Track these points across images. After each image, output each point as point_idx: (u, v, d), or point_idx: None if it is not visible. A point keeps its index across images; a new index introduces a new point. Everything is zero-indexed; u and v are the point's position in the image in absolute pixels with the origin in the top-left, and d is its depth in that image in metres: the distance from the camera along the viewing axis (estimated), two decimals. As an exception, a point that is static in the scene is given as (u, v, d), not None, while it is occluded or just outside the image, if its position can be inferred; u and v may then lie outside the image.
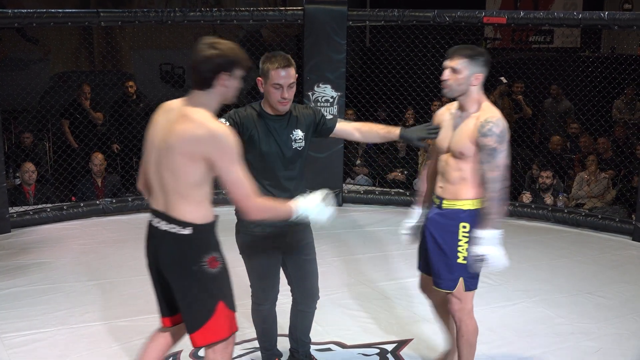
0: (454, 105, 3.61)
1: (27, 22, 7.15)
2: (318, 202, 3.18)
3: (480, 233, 3.45)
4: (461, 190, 3.54)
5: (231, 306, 3.07)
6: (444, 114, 3.66)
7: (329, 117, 3.91)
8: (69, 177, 7.63)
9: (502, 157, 3.39)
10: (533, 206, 7.10)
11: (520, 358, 4.38)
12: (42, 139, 8.39)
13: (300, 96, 7.06)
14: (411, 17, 7.17)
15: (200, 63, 2.89)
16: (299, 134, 3.74)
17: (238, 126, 3.59)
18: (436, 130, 3.62)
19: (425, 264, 3.86)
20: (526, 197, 7.48)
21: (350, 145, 7.95)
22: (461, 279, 3.58)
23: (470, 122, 3.44)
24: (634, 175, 7.32)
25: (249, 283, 3.88)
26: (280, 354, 4.12)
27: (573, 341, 4.55)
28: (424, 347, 4.48)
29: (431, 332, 4.66)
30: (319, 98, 7.10)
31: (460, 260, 3.57)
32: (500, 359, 4.36)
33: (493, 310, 5.02)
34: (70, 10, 7.64)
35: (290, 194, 3.58)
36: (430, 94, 8.14)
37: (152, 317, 4.78)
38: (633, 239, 6.38)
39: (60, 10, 7.14)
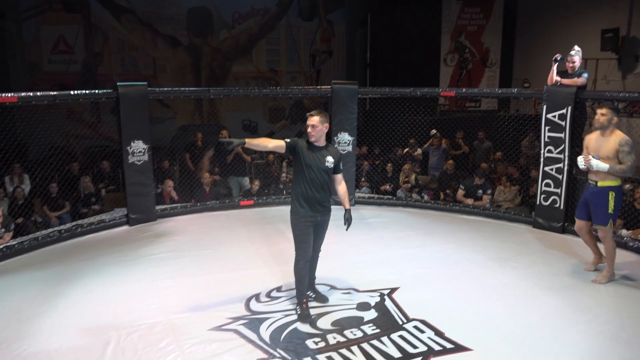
0: (596, 134, 4.62)
1: (166, 96, 7.28)
2: None
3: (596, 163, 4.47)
4: (607, 177, 4.49)
5: None
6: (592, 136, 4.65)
7: (341, 168, 4.14)
8: (189, 188, 7.72)
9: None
10: (471, 205, 7.10)
11: (467, 299, 4.38)
12: (173, 165, 8.51)
13: (328, 140, 7.12)
14: (395, 92, 7.20)
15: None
16: (329, 159, 3.92)
17: (295, 143, 3.88)
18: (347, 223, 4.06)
19: (584, 214, 4.74)
20: (460, 191, 7.43)
21: (358, 169, 7.99)
22: (610, 220, 4.55)
23: (611, 139, 4.48)
24: (531, 187, 7.29)
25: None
26: (308, 296, 4.17)
27: (497, 291, 4.55)
28: (405, 291, 4.50)
29: (408, 282, 4.67)
30: (340, 141, 7.14)
31: (609, 211, 4.52)
32: (455, 299, 4.37)
33: (448, 270, 5.02)
34: (191, 89, 7.75)
35: (321, 193, 3.91)
36: (408, 137, 8.20)
37: (243, 272, 4.89)
38: (533, 227, 6.34)
39: (185, 89, 7.24)
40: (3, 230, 5.47)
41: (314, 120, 3.89)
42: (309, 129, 3.91)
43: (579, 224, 4.85)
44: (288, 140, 3.87)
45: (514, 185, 7.62)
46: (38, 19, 11.22)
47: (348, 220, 4.02)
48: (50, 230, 6.06)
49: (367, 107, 9.77)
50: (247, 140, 3.77)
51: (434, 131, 8.85)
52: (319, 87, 8.15)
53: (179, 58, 12.33)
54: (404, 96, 7.25)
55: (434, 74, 12.78)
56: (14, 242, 5.50)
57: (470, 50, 12.94)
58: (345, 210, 4.04)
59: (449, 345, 3.64)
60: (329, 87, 7.17)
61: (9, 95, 5.25)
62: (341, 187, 4.12)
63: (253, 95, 7.69)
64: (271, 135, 11.03)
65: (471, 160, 9.02)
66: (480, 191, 7.30)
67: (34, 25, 11.22)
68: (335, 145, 7.05)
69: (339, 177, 4.11)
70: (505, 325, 3.92)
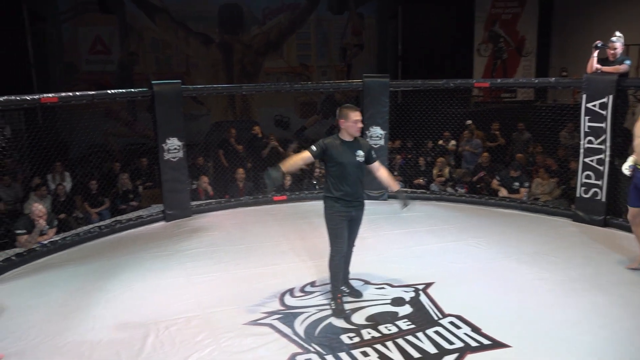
0: None
1: (199, 93, 7.37)
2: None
3: None
4: None
5: None
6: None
7: (374, 155, 4.06)
8: (223, 184, 7.81)
9: None
10: (507, 199, 6.95)
11: (504, 294, 4.31)
12: (208, 161, 8.62)
13: (360, 134, 7.09)
14: (428, 84, 7.10)
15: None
16: (360, 152, 3.90)
17: (322, 147, 3.83)
18: (407, 203, 3.99)
19: (637, 201, 4.44)
20: (495, 182, 7.24)
21: (390, 163, 7.92)
22: None
23: None
24: (571, 179, 7.08)
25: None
26: (342, 291, 4.15)
27: (535, 286, 4.44)
28: (440, 287, 4.45)
29: (443, 277, 4.63)
30: (372, 135, 7.09)
31: None
32: (491, 294, 4.30)
33: (483, 265, 4.95)
34: (224, 86, 7.85)
35: (354, 188, 3.86)
36: (440, 130, 8.08)
37: (277, 267, 4.93)
38: (573, 220, 6.16)
39: (218, 85, 7.35)
40: (47, 226, 5.67)
41: (359, 115, 3.89)
42: (358, 124, 3.89)
43: (632, 211, 4.61)
44: (313, 148, 3.85)
45: (552, 177, 7.42)
46: (76, 21, 11.54)
47: (405, 200, 4.00)
48: (90, 226, 6.24)
49: (400, 100, 9.66)
50: (283, 168, 3.82)
51: (469, 122, 8.70)
52: (350, 81, 8.10)
53: (211, 55, 12.47)
54: (437, 88, 7.13)
55: (468, 65, 12.52)
56: (57, 238, 5.70)
57: (505, 39, 12.62)
58: (397, 191, 4.07)
59: (486, 342, 3.58)
60: (360, 81, 7.13)
61: (50, 95, 5.42)
62: (381, 173, 4.10)
63: (284, 90, 7.70)
64: (303, 130, 11.04)
65: (509, 152, 8.82)
66: (516, 183, 7.12)
67: (72, 27, 11.54)
68: (367, 139, 7.03)
69: (376, 165, 4.07)
70: (544, 322, 3.82)
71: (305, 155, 3.88)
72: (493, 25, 12.60)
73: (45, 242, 5.54)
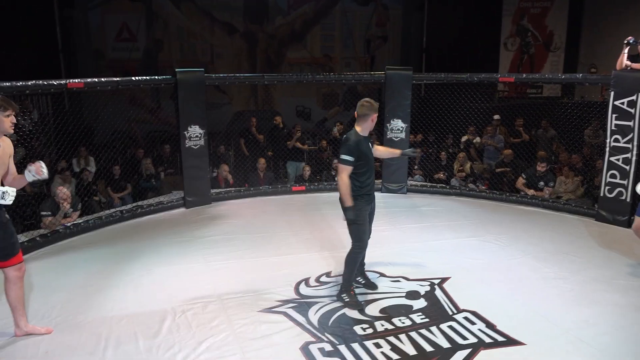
0: None
1: (222, 82, 7.42)
2: None
3: None
4: None
5: None
6: None
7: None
8: (243, 172, 7.87)
9: None
10: (528, 196, 6.85)
11: (521, 292, 4.27)
12: (229, 150, 8.69)
13: (381, 126, 7.08)
14: (452, 78, 7.03)
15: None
16: (370, 145, 4.00)
17: (356, 152, 3.82)
18: (416, 151, 4.29)
19: None
20: (521, 181, 7.14)
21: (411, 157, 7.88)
22: None
23: None
24: (595, 178, 6.95)
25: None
26: (357, 281, 4.24)
27: (553, 284, 4.39)
28: (456, 282, 4.42)
29: (460, 273, 4.61)
30: (393, 127, 7.06)
31: None
32: (508, 292, 4.27)
33: (502, 261, 4.91)
34: (246, 75, 7.87)
35: (373, 180, 3.99)
36: (463, 124, 7.99)
37: (293, 257, 4.97)
38: (595, 220, 6.06)
39: (240, 75, 7.37)
40: (71, 209, 5.80)
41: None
42: (375, 121, 3.90)
43: (638, 222, 4.51)
44: (349, 158, 3.78)
45: (576, 176, 7.28)
46: (103, 8, 11.68)
47: (410, 151, 4.38)
48: (113, 210, 6.37)
49: (423, 93, 9.56)
50: (348, 202, 3.77)
51: (497, 116, 8.58)
52: (372, 73, 8.05)
53: (235, 45, 12.51)
54: (460, 82, 7.05)
55: (493, 59, 12.32)
56: (80, 221, 5.83)
57: (533, 33, 12.37)
58: (402, 153, 4.32)
59: (500, 339, 3.56)
60: (383, 73, 7.08)
61: (77, 80, 5.52)
62: (380, 150, 4.32)
63: (306, 81, 7.71)
64: (324, 121, 11.01)
65: (533, 149, 8.69)
66: (541, 183, 7.01)
67: (99, 14, 11.69)
68: (388, 132, 7.03)
69: (375, 146, 4.20)
70: (561, 321, 3.78)
71: (348, 172, 3.80)
72: (521, 19, 12.35)
73: (69, 224, 5.67)
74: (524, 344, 3.49)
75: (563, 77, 6.97)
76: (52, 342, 3.52)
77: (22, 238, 5.23)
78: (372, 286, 4.27)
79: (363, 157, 3.84)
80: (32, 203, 6.20)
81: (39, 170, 3.30)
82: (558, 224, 5.98)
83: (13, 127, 3.29)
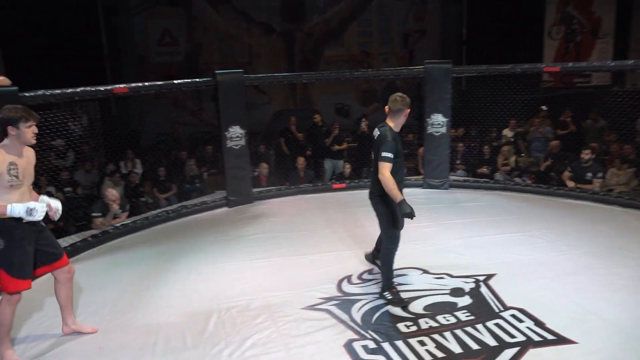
0: None
1: (261, 82, 7.51)
2: None
3: None
4: None
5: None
6: None
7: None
8: (284, 171, 7.92)
9: None
10: (577, 189, 6.60)
11: (571, 289, 4.12)
12: (269, 149, 8.76)
13: (421, 121, 6.99)
14: (494, 70, 6.85)
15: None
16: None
17: (396, 148, 3.76)
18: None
19: None
20: (566, 174, 6.89)
21: (453, 151, 7.73)
22: None
23: None
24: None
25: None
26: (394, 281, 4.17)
27: (605, 281, 4.21)
28: (502, 278, 4.32)
29: (506, 269, 4.50)
30: (434, 122, 6.94)
31: None
32: (557, 288, 4.14)
33: (549, 257, 4.75)
34: (284, 74, 7.93)
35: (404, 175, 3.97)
36: (507, 118, 7.78)
37: (335, 254, 4.96)
38: (651, 213, 5.79)
39: (279, 75, 7.42)
40: (120, 210, 6.01)
41: None
42: (407, 116, 3.85)
43: None
44: (390, 155, 3.68)
45: (629, 167, 6.96)
46: (146, 14, 12.05)
47: None
48: (159, 210, 6.56)
49: (463, 86, 9.39)
50: (398, 198, 3.65)
51: (544, 107, 8.33)
52: (411, 67, 7.96)
53: (272, 45, 12.63)
54: (503, 74, 6.86)
55: (537, 48, 11.94)
56: (129, 221, 6.03)
57: (579, 20, 11.90)
58: None
59: (550, 337, 3.45)
60: (422, 67, 6.98)
61: (122, 86, 5.70)
62: None
63: (344, 78, 7.68)
64: (363, 117, 10.98)
65: (582, 141, 8.39)
66: (589, 174, 6.74)
67: (142, 20, 12.06)
68: (429, 127, 6.93)
69: None
70: (615, 319, 3.62)
71: (390, 169, 3.71)
72: (566, 6, 11.92)
73: (118, 224, 5.88)
74: (576, 343, 3.37)
75: (613, 64, 6.69)
76: (105, 338, 3.65)
77: (75, 238, 5.47)
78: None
79: (399, 153, 3.80)
80: (84, 205, 6.46)
81: (54, 215, 3.40)
82: (609, 218, 5.73)
83: (35, 138, 3.28)
